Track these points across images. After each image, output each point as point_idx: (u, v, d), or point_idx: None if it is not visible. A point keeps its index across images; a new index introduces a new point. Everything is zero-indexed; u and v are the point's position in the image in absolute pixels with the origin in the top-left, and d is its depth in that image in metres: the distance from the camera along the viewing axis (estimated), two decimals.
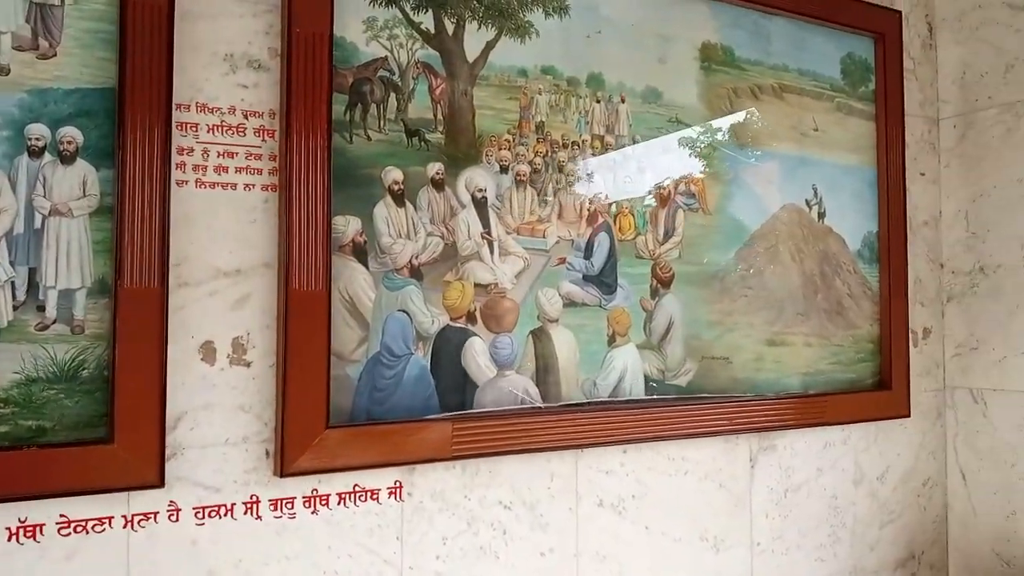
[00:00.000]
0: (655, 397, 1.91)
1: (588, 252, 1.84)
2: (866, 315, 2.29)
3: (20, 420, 1.28)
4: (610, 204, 1.87)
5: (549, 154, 1.80)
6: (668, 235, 1.95)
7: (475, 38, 1.71)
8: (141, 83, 1.34)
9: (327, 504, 1.54)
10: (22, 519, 1.29)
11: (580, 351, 1.81)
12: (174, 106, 1.41)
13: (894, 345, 2.30)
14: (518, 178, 1.75)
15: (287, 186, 1.47)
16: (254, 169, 1.49)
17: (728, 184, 2.06)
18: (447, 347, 1.65)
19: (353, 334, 1.56)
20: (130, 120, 1.33)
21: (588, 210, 1.84)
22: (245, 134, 1.48)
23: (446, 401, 1.64)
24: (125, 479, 1.33)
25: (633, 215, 1.90)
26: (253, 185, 1.49)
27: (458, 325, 1.67)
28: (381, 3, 1.60)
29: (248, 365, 1.48)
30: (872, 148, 2.32)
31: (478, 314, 1.69)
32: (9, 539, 1.28)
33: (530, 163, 1.77)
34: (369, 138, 1.59)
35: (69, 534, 1.32)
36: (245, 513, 1.46)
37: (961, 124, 2.44)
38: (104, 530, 1.35)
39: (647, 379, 1.90)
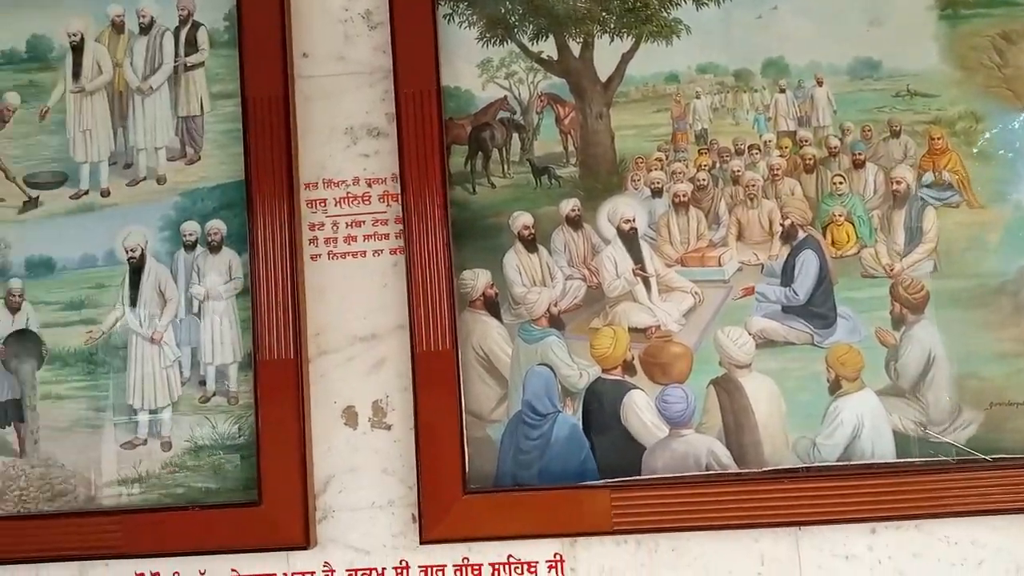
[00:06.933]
0: (913, 460, 1.42)
1: (788, 277, 1.47)
2: None
3: (192, 483, 1.46)
4: (814, 212, 1.49)
5: (718, 166, 1.50)
6: (914, 242, 1.47)
7: (607, 52, 1.52)
8: (264, 171, 1.47)
9: (479, 574, 1.44)
10: (202, 571, 1.45)
11: (787, 403, 1.44)
12: (303, 186, 1.51)
13: None
14: (676, 200, 1.49)
15: (407, 247, 1.46)
16: (381, 235, 1.51)
17: (1010, 164, 1.48)
18: (601, 403, 1.45)
19: (492, 392, 1.46)
20: (258, 206, 1.46)
21: (782, 224, 1.48)
22: (370, 202, 1.52)
23: (606, 465, 1.43)
24: (274, 539, 1.42)
25: (853, 222, 1.48)
26: (381, 251, 1.51)
27: (612, 377, 1.45)
28: (495, 42, 1.53)
29: (389, 428, 1.48)
30: None
31: (637, 363, 1.46)
32: None
33: (692, 180, 1.49)
34: (493, 185, 1.50)
35: None
36: None
37: None
38: None
39: (898, 436, 1.43)
